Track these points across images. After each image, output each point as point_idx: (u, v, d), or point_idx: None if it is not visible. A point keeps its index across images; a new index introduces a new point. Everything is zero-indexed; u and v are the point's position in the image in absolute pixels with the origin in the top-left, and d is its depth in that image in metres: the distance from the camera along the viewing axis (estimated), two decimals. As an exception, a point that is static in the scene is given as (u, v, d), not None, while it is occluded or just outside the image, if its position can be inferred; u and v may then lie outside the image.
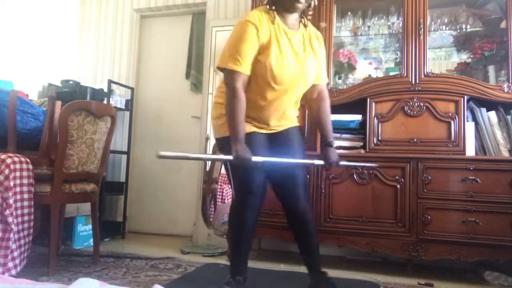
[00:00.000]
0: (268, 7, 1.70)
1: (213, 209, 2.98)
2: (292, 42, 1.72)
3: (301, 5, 1.68)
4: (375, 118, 2.55)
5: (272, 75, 1.66)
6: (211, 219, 2.94)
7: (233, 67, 1.62)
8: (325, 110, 1.88)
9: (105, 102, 3.34)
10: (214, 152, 2.88)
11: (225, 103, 1.66)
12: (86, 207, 2.79)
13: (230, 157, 1.57)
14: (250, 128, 1.71)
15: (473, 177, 2.28)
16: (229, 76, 1.64)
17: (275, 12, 1.70)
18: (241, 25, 1.66)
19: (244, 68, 1.63)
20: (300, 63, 1.73)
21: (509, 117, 2.38)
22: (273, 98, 1.72)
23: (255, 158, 1.56)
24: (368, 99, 2.57)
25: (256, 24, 1.64)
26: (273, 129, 1.80)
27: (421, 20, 2.51)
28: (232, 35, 1.68)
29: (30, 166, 2.04)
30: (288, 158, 1.72)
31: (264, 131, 1.78)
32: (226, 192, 2.98)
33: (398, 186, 2.39)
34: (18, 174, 1.97)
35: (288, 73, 1.69)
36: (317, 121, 1.91)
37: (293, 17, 1.74)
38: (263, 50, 1.65)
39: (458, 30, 2.68)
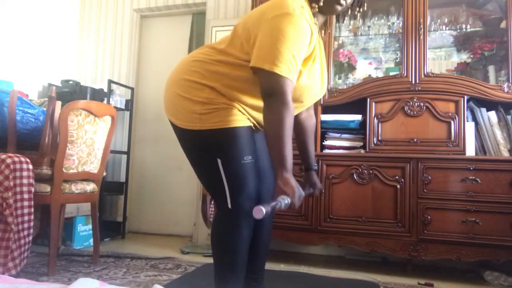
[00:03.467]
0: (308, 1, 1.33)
1: (213, 209, 2.98)
2: (323, 52, 1.43)
3: (340, 8, 1.35)
4: (375, 118, 2.55)
5: (300, 92, 1.34)
6: (211, 219, 2.94)
7: (287, 75, 1.21)
8: (312, 129, 1.61)
9: (105, 102, 3.34)
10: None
11: (269, 113, 1.24)
12: (86, 207, 2.79)
13: (299, 193, 1.20)
14: (245, 119, 1.35)
15: (473, 177, 2.28)
16: (279, 82, 1.21)
17: (315, 8, 1.33)
18: (295, 18, 1.21)
19: (295, 77, 1.25)
20: (323, 80, 1.44)
21: (509, 117, 2.39)
22: None
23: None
24: (368, 99, 2.57)
25: (310, 25, 1.26)
26: (259, 128, 1.44)
27: (421, 20, 2.52)
28: (282, 27, 1.20)
29: (30, 166, 2.03)
30: (266, 163, 1.47)
31: (251, 124, 1.40)
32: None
33: (398, 186, 2.39)
34: (18, 174, 1.97)
35: (314, 91, 1.40)
36: (301, 142, 1.60)
37: (322, 20, 1.43)
38: (306, 58, 1.31)
39: (458, 30, 2.69)
